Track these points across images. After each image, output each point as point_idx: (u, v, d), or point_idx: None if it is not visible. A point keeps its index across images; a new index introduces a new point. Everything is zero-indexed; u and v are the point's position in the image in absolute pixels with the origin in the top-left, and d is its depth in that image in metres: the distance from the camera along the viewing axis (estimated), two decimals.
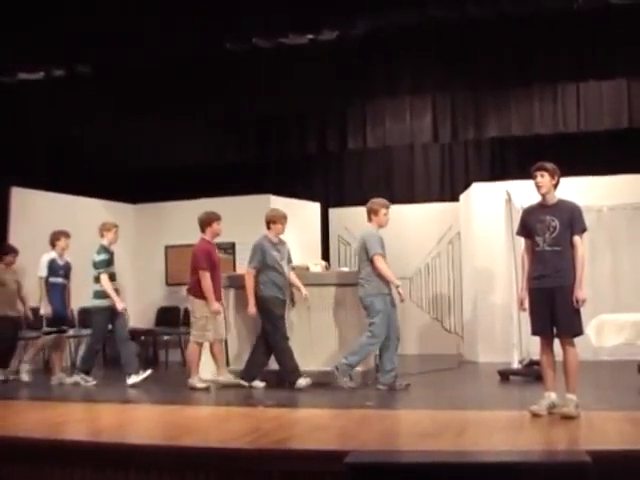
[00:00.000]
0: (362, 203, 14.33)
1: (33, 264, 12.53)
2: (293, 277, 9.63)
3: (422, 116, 12.17)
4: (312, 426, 6.89)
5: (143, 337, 13.21)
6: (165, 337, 13.48)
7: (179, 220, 12.52)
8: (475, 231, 12.72)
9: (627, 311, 9.77)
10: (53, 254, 10.45)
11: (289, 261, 9.63)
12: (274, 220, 9.53)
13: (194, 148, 13.27)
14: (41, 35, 10.34)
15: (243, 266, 10.25)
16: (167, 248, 13.68)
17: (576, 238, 6.83)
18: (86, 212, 13.80)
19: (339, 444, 5.80)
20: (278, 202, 13.74)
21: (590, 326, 8.86)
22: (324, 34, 10.12)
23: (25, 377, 10.47)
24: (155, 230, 13.27)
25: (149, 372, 9.86)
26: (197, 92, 11.82)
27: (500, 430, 6.36)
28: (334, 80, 11.43)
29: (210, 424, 7.24)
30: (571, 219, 6.84)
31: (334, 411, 7.62)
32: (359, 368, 9.42)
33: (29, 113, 11.92)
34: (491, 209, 11.92)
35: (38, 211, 12.98)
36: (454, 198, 14.05)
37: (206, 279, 9.36)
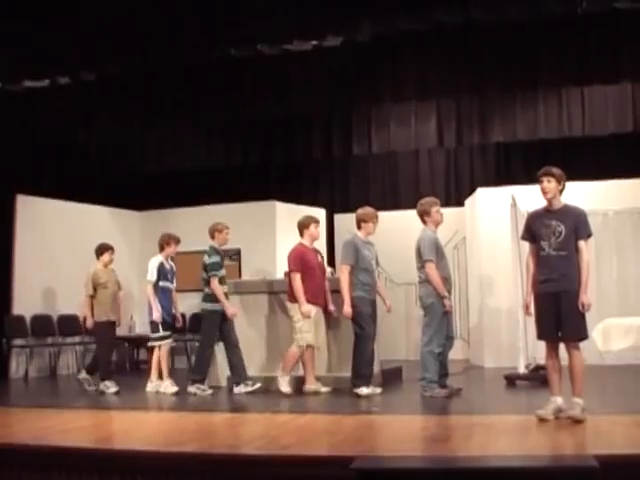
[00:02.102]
0: None
1: (37, 272, 12.62)
2: (380, 285, 9.66)
3: (427, 121, 12.17)
4: (319, 432, 6.89)
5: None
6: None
7: (185, 227, 12.53)
8: (480, 236, 12.73)
9: (633, 315, 9.76)
10: (160, 258, 10.16)
11: (377, 263, 9.51)
12: (365, 219, 9.36)
13: (199, 154, 13.31)
14: (46, 43, 10.35)
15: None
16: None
17: (581, 243, 6.83)
18: (92, 219, 13.87)
19: (346, 449, 5.78)
20: (284, 208, 13.79)
21: (596, 330, 8.85)
22: (329, 40, 10.11)
23: (173, 389, 9.94)
24: None
25: (258, 386, 9.57)
26: (202, 98, 11.81)
27: (507, 435, 6.35)
28: (339, 85, 11.42)
29: (217, 430, 7.24)
30: (577, 224, 6.84)
31: (341, 417, 7.61)
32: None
33: (34, 121, 11.94)
34: (496, 214, 11.92)
35: (43, 219, 13.03)
36: (459, 203, 14.06)
37: (296, 281, 9.25)
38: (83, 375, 10.38)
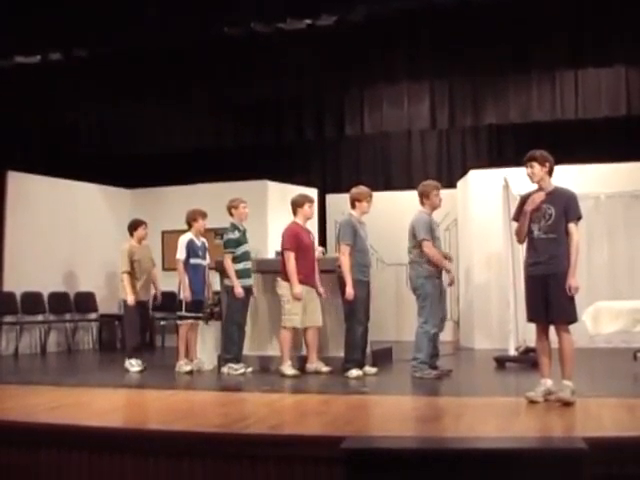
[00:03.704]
0: None
1: (28, 248, 12.59)
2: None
3: (420, 102, 12.14)
4: (308, 412, 6.91)
5: None
6: (162, 322, 13.49)
7: (176, 205, 12.53)
8: (472, 218, 12.73)
9: (623, 298, 9.79)
10: (190, 235, 9.98)
11: None
12: (359, 198, 9.30)
13: (191, 133, 13.26)
14: (38, 19, 10.28)
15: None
16: (164, 233, 13.68)
17: (571, 225, 6.80)
18: (83, 197, 13.86)
19: (335, 430, 5.79)
20: (275, 188, 13.76)
21: (586, 313, 8.88)
22: (322, 19, 10.07)
23: (186, 368, 9.80)
24: (152, 215, 13.19)
25: (250, 370, 9.58)
26: (195, 77, 11.78)
27: (496, 416, 6.36)
28: (332, 65, 11.39)
29: (206, 409, 7.24)
30: (567, 207, 6.81)
31: (330, 397, 7.62)
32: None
33: (26, 97, 11.88)
34: (488, 196, 11.92)
35: (34, 195, 12.99)
36: (451, 184, 14.04)
37: (290, 261, 9.19)
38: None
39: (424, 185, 9.26)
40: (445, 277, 9.06)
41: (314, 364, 9.38)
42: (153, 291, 10.46)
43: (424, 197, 9.14)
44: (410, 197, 13.75)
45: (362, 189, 9.46)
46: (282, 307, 9.33)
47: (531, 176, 6.93)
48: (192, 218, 10.05)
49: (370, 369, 9.23)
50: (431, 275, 8.91)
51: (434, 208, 9.19)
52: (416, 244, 8.96)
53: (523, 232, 6.96)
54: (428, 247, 8.87)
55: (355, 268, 9.06)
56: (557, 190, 6.94)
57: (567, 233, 6.79)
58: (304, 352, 9.58)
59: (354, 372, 8.95)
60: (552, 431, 5.99)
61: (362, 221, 9.38)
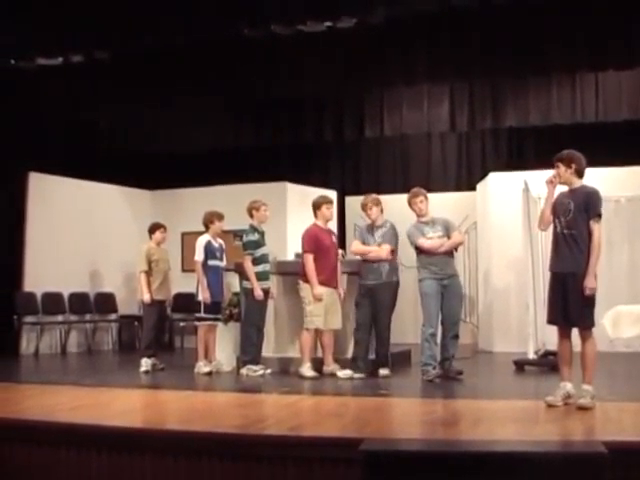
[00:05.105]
0: (378, 191, 14.36)
1: (49, 249, 12.67)
2: None
3: (440, 104, 12.13)
4: (326, 413, 6.90)
5: None
6: (181, 323, 13.53)
7: (195, 207, 12.53)
8: (492, 221, 12.70)
9: None
10: (207, 236, 10.03)
11: (394, 244, 9.50)
12: (363, 208, 9.50)
13: (210, 134, 13.28)
14: (59, 21, 10.33)
15: None
16: (183, 235, 13.72)
17: (592, 223, 6.72)
18: (103, 198, 13.92)
19: (353, 432, 5.80)
20: (294, 190, 13.77)
21: (606, 317, 8.84)
22: (342, 21, 10.07)
23: (205, 369, 9.86)
24: (171, 216, 13.27)
25: (269, 371, 9.58)
26: (214, 79, 11.79)
27: (515, 420, 6.34)
28: (352, 67, 11.38)
29: (225, 410, 7.26)
30: (586, 203, 6.74)
31: (348, 399, 7.63)
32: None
33: (47, 99, 11.93)
34: (508, 199, 11.89)
35: (55, 196, 13.08)
36: (471, 187, 14.01)
37: (309, 262, 9.24)
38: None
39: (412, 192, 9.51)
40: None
41: (330, 366, 9.40)
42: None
43: (412, 205, 9.41)
44: (429, 200, 13.76)
45: (366, 197, 9.64)
46: (304, 309, 9.33)
47: (557, 177, 6.91)
48: (209, 220, 10.11)
49: (383, 371, 9.24)
50: (425, 277, 9.07)
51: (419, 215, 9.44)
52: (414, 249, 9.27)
53: (545, 220, 6.96)
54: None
55: (362, 272, 9.26)
56: (581, 187, 6.89)
57: (588, 231, 6.74)
58: (320, 354, 9.57)
59: (347, 372, 9.12)
60: (572, 435, 5.96)
61: (379, 225, 9.47)
